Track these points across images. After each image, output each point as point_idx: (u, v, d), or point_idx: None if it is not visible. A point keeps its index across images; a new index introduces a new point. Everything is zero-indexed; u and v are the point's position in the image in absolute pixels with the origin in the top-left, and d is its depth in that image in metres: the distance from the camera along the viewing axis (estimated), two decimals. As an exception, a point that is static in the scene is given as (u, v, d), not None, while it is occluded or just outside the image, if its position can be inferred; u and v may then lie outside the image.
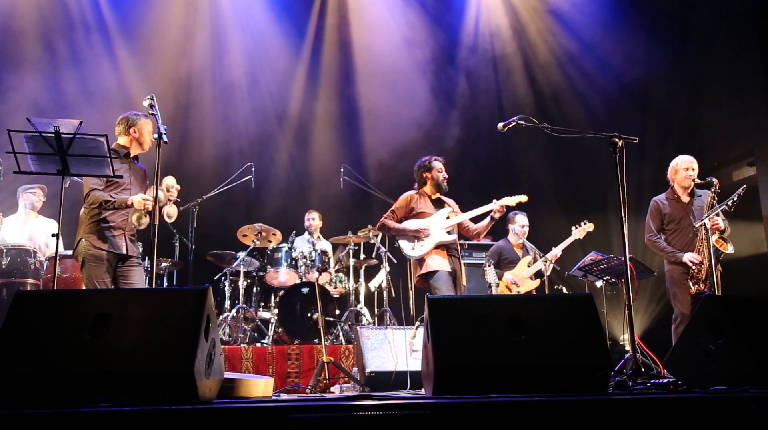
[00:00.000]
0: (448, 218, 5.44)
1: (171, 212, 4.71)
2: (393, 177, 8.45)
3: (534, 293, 6.81)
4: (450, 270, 5.25)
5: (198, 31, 8.68)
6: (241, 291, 6.76)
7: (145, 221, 4.55)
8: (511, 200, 5.48)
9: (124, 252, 4.60)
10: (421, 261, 5.30)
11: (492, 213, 5.35)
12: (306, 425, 2.16)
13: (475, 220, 5.61)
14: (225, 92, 8.80)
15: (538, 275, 6.85)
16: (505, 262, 7.01)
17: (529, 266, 6.85)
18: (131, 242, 4.71)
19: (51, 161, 4.06)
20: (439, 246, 5.30)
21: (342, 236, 7.19)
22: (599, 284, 6.70)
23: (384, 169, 8.57)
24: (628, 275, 4.02)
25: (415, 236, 5.31)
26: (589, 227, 6.72)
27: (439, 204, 5.56)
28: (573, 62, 9.06)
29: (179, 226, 7.27)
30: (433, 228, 5.34)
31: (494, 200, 5.37)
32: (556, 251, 6.84)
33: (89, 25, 8.16)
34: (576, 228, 6.76)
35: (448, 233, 5.37)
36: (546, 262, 6.71)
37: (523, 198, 5.51)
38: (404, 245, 5.40)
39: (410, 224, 5.39)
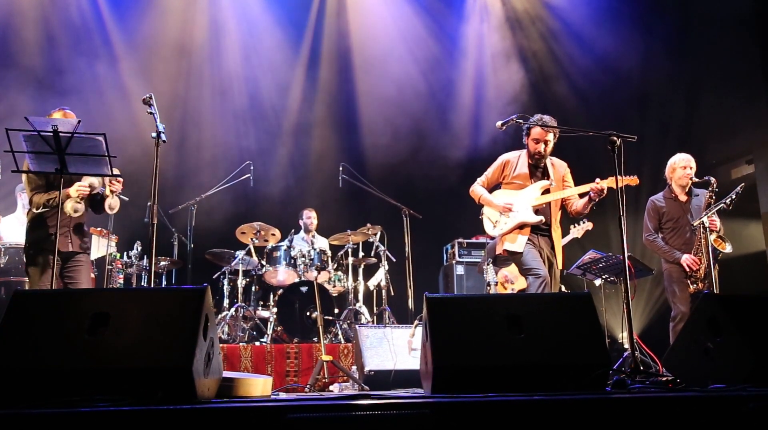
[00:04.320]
0: (544, 193, 4.90)
1: (113, 204, 4.71)
2: (392, 176, 8.46)
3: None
4: (521, 250, 4.79)
5: (197, 30, 8.67)
6: (240, 290, 6.76)
7: (80, 207, 4.57)
8: (619, 182, 4.64)
9: (70, 249, 4.67)
10: (501, 237, 4.93)
11: (590, 192, 4.73)
12: (305, 424, 2.16)
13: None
14: (224, 91, 8.79)
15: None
16: (501, 259, 7.02)
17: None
18: (77, 236, 4.74)
19: (49, 160, 4.06)
20: (523, 226, 4.84)
21: (341, 234, 7.19)
22: (598, 282, 6.71)
23: (383, 167, 8.57)
24: (626, 274, 4.02)
25: (502, 210, 4.89)
26: (587, 225, 6.72)
27: (540, 172, 5.00)
28: (571, 60, 9.06)
29: (178, 225, 7.27)
30: (519, 205, 4.86)
31: (597, 179, 4.71)
32: None
33: (88, 24, 8.15)
34: (574, 227, 6.76)
35: (536, 212, 4.85)
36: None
37: (633, 181, 4.73)
38: (487, 219, 5.02)
39: (499, 197, 4.98)
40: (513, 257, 4.90)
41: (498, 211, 4.96)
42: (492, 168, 5.12)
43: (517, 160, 5.02)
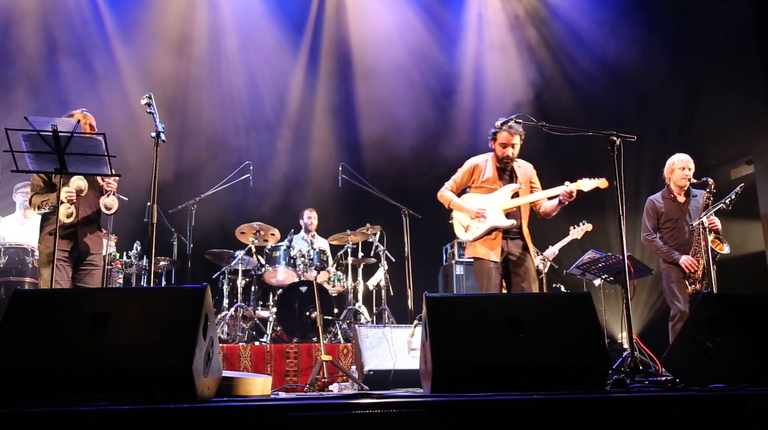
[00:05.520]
0: (513, 196, 4.86)
1: (109, 203, 4.64)
2: (392, 176, 8.46)
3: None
4: (497, 260, 4.74)
5: (196, 29, 8.68)
6: (240, 290, 6.76)
7: (72, 212, 4.51)
8: (588, 185, 4.75)
9: (82, 249, 4.62)
10: (473, 243, 4.86)
11: (560, 196, 4.73)
12: (304, 423, 2.16)
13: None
14: (223, 91, 8.80)
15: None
16: None
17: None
18: (90, 236, 4.69)
19: (49, 160, 4.05)
20: (494, 230, 4.79)
21: (340, 234, 7.19)
22: (597, 282, 6.72)
23: (383, 167, 8.57)
24: (626, 273, 4.02)
25: (474, 215, 4.83)
26: (587, 227, 6.73)
27: (507, 175, 4.96)
28: (572, 60, 9.06)
29: (177, 225, 7.27)
30: (490, 209, 4.81)
31: (567, 182, 4.72)
32: (554, 250, 6.86)
33: (87, 23, 8.15)
34: (574, 228, 6.78)
35: (508, 215, 4.80)
36: (543, 260, 6.75)
37: (603, 183, 4.75)
38: (458, 224, 4.96)
39: (469, 202, 4.92)
40: (478, 262, 4.83)
41: (470, 216, 4.90)
42: (460, 172, 5.05)
43: (485, 164, 4.97)
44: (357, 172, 7.24)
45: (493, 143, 4.92)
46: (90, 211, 4.75)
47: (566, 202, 4.77)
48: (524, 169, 5.04)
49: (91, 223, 4.79)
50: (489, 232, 4.81)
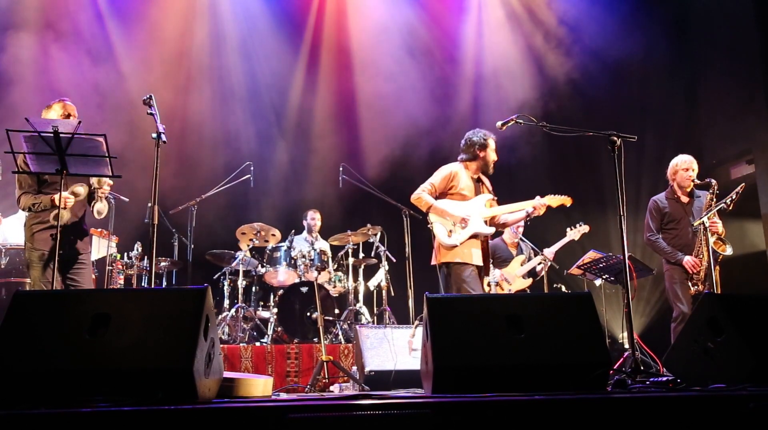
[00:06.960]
0: (486, 206, 4.99)
1: (101, 209, 4.64)
2: (392, 176, 8.46)
3: (527, 291, 6.83)
4: (479, 264, 4.87)
5: (197, 29, 8.69)
6: (241, 290, 6.76)
7: (66, 216, 4.44)
8: (554, 201, 5.04)
9: (74, 249, 4.56)
10: (452, 247, 4.89)
11: (529, 208, 4.95)
12: (305, 424, 2.16)
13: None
14: (224, 91, 8.81)
15: (531, 274, 6.89)
16: (498, 260, 7.04)
17: (522, 265, 6.89)
18: (76, 236, 4.64)
19: (50, 161, 4.06)
20: (474, 236, 4.89)
21: (341, 234, 7.19)
22: (598, 282, 6.72)
23: (383, 168, 8.57)
24: (626, 273, 4.02)
25: (459, 221, 4.87)
26: (584, 228, 6.73)
27: (477, 185, 5.08)
28: (571, 60, 9.05)
29: (178, 225, 7.28)
30: (474, 216, 4.89)
31: (537, 197, 4.96)
32: (550, 252, 6.86)
33: (88, 24, 8.15)
34: (571, 229, 6.77)
35: (485, 222, 4.94)
36: (543, 260, 6.75)
37: (567, 201, 5.10)
38: (438, 228, 4.95)
39: (451, 207, 4.94)
40: (458, 266, 4.83)
41: (453, 222, 4.92)
42: (439, 177, 5.05)
43: (460, 171, 5.03)
44: (357, 173, 7.24)
45: (483, 151, 5.01)
46: (80, 212, 4.74)
47: (532, 215, 4.97)
48: (485, 181, 5.17)
49: (80, 224, 4.77)
50: (471, 237, 4.89)
